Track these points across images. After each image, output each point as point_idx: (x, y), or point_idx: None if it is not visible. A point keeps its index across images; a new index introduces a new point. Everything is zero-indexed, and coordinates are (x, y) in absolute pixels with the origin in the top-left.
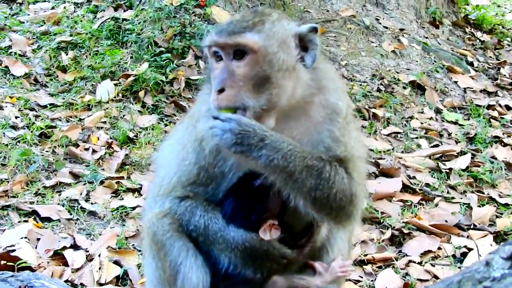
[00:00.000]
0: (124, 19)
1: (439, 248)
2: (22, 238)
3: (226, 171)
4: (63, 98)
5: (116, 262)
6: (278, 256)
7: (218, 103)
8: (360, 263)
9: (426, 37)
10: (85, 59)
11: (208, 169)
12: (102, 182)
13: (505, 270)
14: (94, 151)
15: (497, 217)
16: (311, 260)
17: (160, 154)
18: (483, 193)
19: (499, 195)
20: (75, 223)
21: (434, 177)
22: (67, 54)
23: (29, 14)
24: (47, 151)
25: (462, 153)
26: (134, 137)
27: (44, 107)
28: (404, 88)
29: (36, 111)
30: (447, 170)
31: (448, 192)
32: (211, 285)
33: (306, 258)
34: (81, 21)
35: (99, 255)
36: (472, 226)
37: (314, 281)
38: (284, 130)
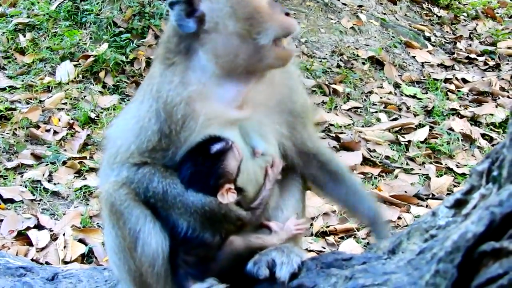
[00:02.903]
0: (82, 0)
1: (399, 218)
2: None
3: (188, 135)
4: (22, 80)
5: (81, 241)
6: (234, 218)
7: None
8: (322, 234)
9: (384, 13)
10: (44, 40)
11: (170, 136)
12: (64, 163)
13: (449, 218)
14: (55, 132)
15: (454, 186)
16: (267, 220)
17: (114, 128)
18: (441, 163)
19: (457, 165)
20: (39, 203)
21: (393, 150)
22: (24, 36)
23: None
24: (7, 133)
25: (421, 125)
26: (96, 118)
27: (3, 89)
28: (363, 63)
29: None
30: (406, 143)
31: (407, 164)
32: (170, 250)
33: (263, 218)
34: (38, 2)
35: (63, 234)
36: (430, 196)
37: (270, 239)
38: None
